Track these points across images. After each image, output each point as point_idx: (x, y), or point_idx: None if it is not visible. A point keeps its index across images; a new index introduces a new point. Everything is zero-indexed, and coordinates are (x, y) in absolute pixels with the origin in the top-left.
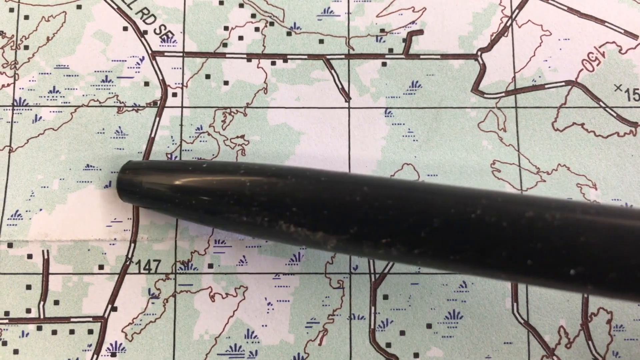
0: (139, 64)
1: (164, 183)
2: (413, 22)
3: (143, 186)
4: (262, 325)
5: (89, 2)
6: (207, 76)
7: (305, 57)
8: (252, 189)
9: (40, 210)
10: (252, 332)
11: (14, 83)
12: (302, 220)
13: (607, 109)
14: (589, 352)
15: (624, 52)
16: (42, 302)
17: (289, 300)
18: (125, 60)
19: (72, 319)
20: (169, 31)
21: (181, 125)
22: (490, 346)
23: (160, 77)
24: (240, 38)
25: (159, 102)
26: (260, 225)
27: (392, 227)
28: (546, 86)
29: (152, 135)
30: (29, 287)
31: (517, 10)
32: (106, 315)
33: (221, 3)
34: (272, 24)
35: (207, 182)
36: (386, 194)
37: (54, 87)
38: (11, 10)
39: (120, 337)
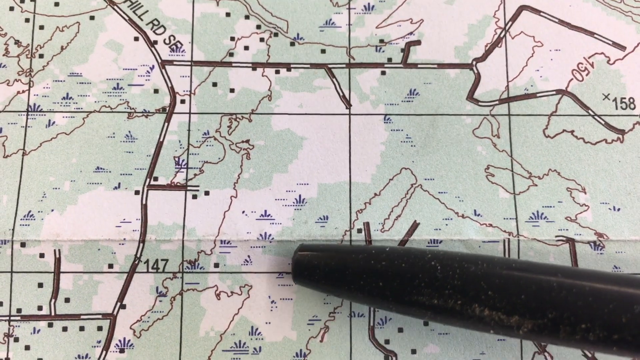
0: (149, 72)
1: (348, 267)
2: (411, 33)
3: (323, 271)
4: (266, 323)
5: (102, 13)
6: (214, 84)
7: (308, 66)
8: (445, 273)
9: (52, 211)
10: (256, 329)
11: (29, 90)
12: (497, 304)
13: (596, 117)
14: (579, 350)
15: (612, 63)
16: (53, 300)
17: (291, 299)
18: (136, 69)
19: (82, 316)
20: (178, 41)
21: (189, 130)
22: (484, 343)
23: (169, 85)
24: (246, 48)
25: (167, 109)
26: (452, 309)
27: (592, 313)
28: (538, 95)
29: (161, 140)
30: (40, 285)
31: (510, 22)
32: (115, 313)
33: (228, 15)
34: (276, 34)
35: (395, 266)
36: (582, 283)
37: (67, 94)
38: (27, 20)
39: (128, 333)
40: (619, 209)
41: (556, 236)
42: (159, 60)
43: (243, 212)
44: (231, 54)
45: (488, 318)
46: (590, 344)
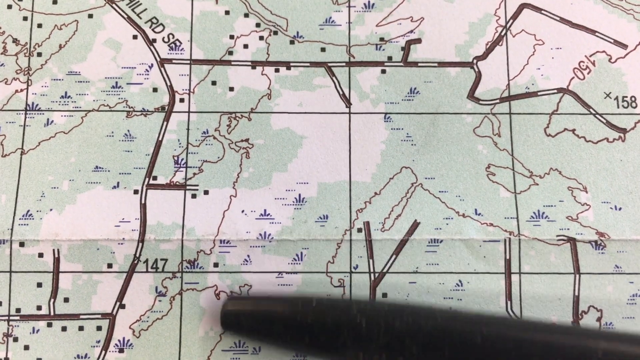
0: (147, 71)
1: (274, 321)
2: (411, 32)
3: (250, 322)
4: None
5: (100, 11)
6: (213, 82)
7: (308, 64)
8: (369, 328)
9: (51, 210)
10: None
11: (27, 88)
12: (422, 359)
13: (597, 115)
14: None
15: (613, 61)
16: (52, 300)
17: None
18: (135, 67)
19: (81, 316)
20: (177, 39)
21: (188, 129)
22: None
23: (168, 84)
24: (245, 46)
25: (166, 107)
26: None
27: None
28: (539, 93)
29: (160, 139)
30: (39, 284)
31: (511, 20)
32: (114, 313)
33: (227, 13)
34: (275, 33)
35: (321, 321)
36: (510, 335)
37: (66, 93)
38: (25, 18)
39: (128, 333)
40: (620, 208)
41: (557, 236)
42: (158, 59)
43: (242, 211)
44: (230, 53)
45: None
46: None
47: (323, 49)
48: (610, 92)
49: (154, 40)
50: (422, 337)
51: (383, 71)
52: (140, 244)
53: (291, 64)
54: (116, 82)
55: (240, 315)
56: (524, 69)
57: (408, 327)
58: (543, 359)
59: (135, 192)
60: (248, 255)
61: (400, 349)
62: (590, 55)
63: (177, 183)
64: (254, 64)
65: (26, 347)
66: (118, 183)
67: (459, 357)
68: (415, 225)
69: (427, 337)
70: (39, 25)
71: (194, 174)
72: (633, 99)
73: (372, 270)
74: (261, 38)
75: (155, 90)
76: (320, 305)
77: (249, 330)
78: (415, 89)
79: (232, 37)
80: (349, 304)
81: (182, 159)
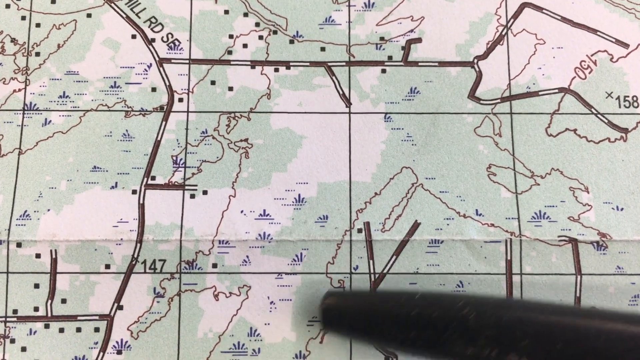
0: (146, 71)
1: (379, 316)
2: (412, 31)
3: (353, 319)
4: (265, 324)
5: (99, 11)
6: (213, 82)
7: (308, 64)
8: (478, 322)
9: (48, 210)
10: (255, 330)
11: (25, 88)
12: (534, 352)
13: (599, 115)
14: None
15: (615, 61)
16: (49, 301)
17: (291, 300)
18: (134, 67)
19: (79, 317)
20: (176, 39)
21: (187, 129)
22: None
23: (167, 83)
24: (245, 46)
25: (165, 107)
26: (487, 358)
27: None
28: (540, 93)
29: (158, 139)
30: (37, 285)
31: (512, 20)
32: (112, 314)
33: (226, 12)
34: (275, 32)
35: (427, 315)
36: (621, 328)
37: (64, 92)
38: (23, 18)
39: (126, 335)
40: (622, 209)
41: (559, 236)
42: (157, 59)
43: (242, 211)
44: (230, 52)
45: None
46: None
47: (323, 49)
48: (611, 92)
49: (153, 40)
50: (534, 330)
51: (383, 71)
52: (139, 245)
53: (291, 64)
54: (115, 82)
55: (342, 313)
56: (525, 69)
57: (518, 320)
58: None
59: (134, 192)
60: (247, 256)
61: (511, 342)
62: (592, 55)
63: (176, 183)
64: (254, 64)
65: (23, 349)
66: (116, 183)
67: (573, 351)
68: (415, 225)
69: (538, 330)
70: (38, 25)
71: (193, 174)
72: (635, 98)
73: (372, 271)
74: (261, 37)
75: (154, 90)
76: (424, 298)
77: (352, 328)
78: (415, 88)
79: (231, 36)
80: (454, 297)
81: (181, 159)
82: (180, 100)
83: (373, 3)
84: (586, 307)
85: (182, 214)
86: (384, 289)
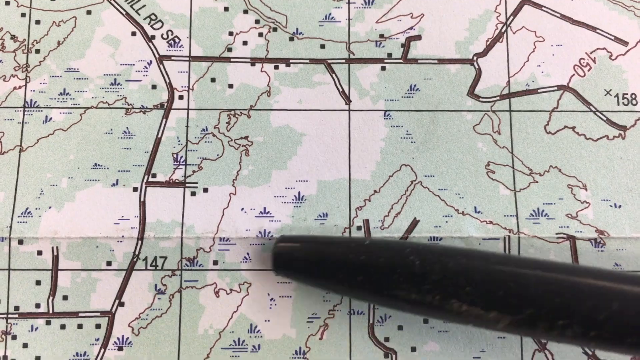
0: (146, 68)
1: (327, 260)
2: (411, 28)
3: (302, 262)
4: (265, 320)
5: (99, 7)
6: (213, 79)
7: (307, 61)
8: (423, 268)
9: (50, 208)
10: (255, 327)
11: (25, 85)
12: (476, 299)
13: (598, 113)
14: (580, 347)
15: (614, 58)
16: (51, 297)
17: (291, 296)
18: (134, 64)
19: (80, 314)
20: (176, 36)
21: (187, 126)
22: (484, 340)
23: (167, 81)
24: (245, 43)
25: (165, 105)
26: (430, 303)
27: (570, 310)
28: (539, 90)
29: (159, 136)
30: (38, 282)
31: (511, 17)
32: (113, 310)
33: (226, 9)
34: (275, 29)
35: (374, 260)
36: (561, 278)
37: (64, 90)
38: (23, 15)
39: (127, 331)
40: (620, 206)
41: (557, 233)
42: (157, 56)
43: (242, 209)
44: (230, 49)
45: (466, 313)
46: (569, 339)
47: (323, 46)
48: (610, 90)
49: (153, 37)
50: (477, 278)
51: (383, 68)
52: (140, 242)
53: (291, 61)
54: (115, 79)
55: (292, 256)
56: (524, 66)
57: (462, 268)
58: (596, 301)
59: (135, 189)
60: (247, 253)
61: (454, 289)
62: (591, 52)
63: (177, 181)
64: (253, 61)
65: (25, 345)
66: (117, 180)
67: (514, 299)
68: (414, 223)
69: (481, 278)
70: (37, 22)
71: (194, 171)
72: (633, 96)
73: None
74: (260, 35)
75: (154, 87)
76: (373, 245)
77: (300, 271)
78: (415, 86)
79: (231, 33)
80: (402, 245)
81: (182, 157)
82: (181, 97)
83: (372, 0)
84: (530, 258)
85: (183, 212)
86: (337, 236)
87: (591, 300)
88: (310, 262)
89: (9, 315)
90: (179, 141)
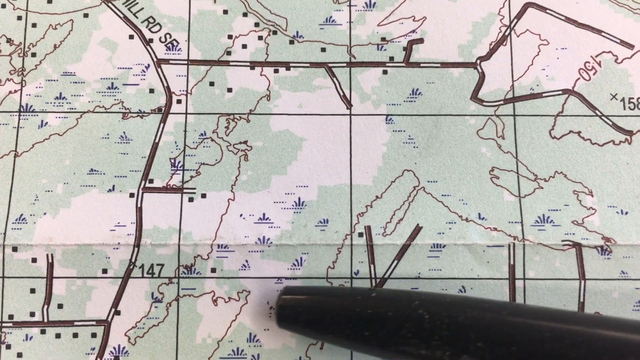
0: (144, 72)
1: (333, 314)
2: (413, 31)
3: (307, 317)
4: (265, 329)
5: (96, 10)
6: (211, 83)
7: (308, 65)
8: (432, 322)
9: (45, 214)
10: (255, 336)
11: (21, 89)
12: (487, 355)
13: (603, 117)
14: None
15: (619, 62)
16: (46, 306)
17: None
18: (131, 68)
19: (75, 323)
20: (174, 39)
21: (185, 131)
22: None
23: (165, 85)
24: (244, 46)
25: (163, 109)
26: (440, 359)
27: None
28: (544, 94)
29: (156, 141)
30: (33, 290)
31: (515, 20)
32: (109, 319)
33: (225, 12)
34: (275, 32)
35: (381, 314)
36: (577, 330)
37: (61, 94)
38: (19, 18)
39: (123, 340)
40: (626, 213)
41: (562, 240)
42: (155, 59)
43: (241, 215)
44: (229, 53)
45: None
46: None
47: (323, 49)
48: (616, 94)
49: (151, 40)
50: (488, 332)
51: (384, 72)
52: (136, 249)
53: (291, 65)
54: (112, 83)
55: (296, 310)
56: (528, 70)
57: (472, 321)
58: (612, 355)
59: (131, 195)
60: (246, 261)
61: (465, 344)
62: (596, 56)
63: (174, 186)
64: (253, 65)
65: (19, 355)
66: (113, 186)
67: (526, 353)
68: (417, 229)
69: (492, 332)
70: (34, 25)
71: (191, 176)
72: (639, 100)
73: (373, 275)
74: (260, 38)
75: (151, 91)
76: (379, 297)
77: (305, 325)
78: (417, 90)
79: (230, 37)
80: (410, 297)
81: (179, 162)
82: (179, 101)
83: (374, 3)
84: (543, 308)
85: (181, 218)
86: (343, 286)
87: (608, 355)
88: (316, 317)
89: (3, 324)
90: (177, 146)
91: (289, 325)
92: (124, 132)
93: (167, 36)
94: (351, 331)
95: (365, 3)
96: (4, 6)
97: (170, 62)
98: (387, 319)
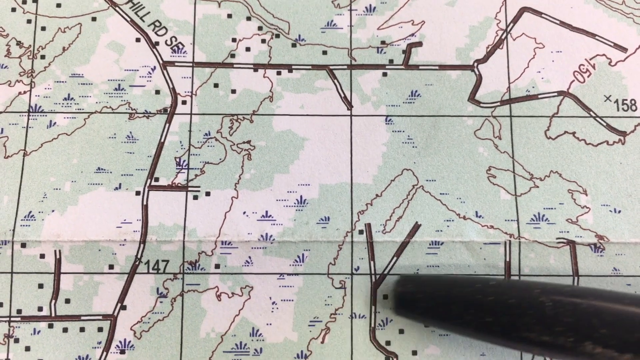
0: (150, 74)
1: (453, 302)
2: (412, 35)
3: (427, 305)
4: (267, 324)
5: (104, 14)
6: (216, 85)
7: (310, 67)
8: (555, 310)
9: (53, 211)
10: (257, 331)
11: (30, 90)
12: (611, 341)
13: (597, 118)
14: None
15: (613, 64)
16: (53, 301)
17: (292, 300)
18: (138, 70)
19: (82, 317)
20: (180, 42)
21: (190, 131)
22: (484, 344)
23: (171, 86)
24: (248, 49)
25: (169, 109)
26: (562, 346)
27: None
28: (539, 96)
29: (162, 141)
30: (41, 285)
31: (511, 24)
32: (116, 314)
33: (229, 16)
34: (277, 36)
35: (504, 302)
36: None
37: (69, 95)
38: (29, 21)
39: (129, 335)
40: (619, 211)
41: (557, 238)
42: (161, 62)
43: (244, 212)
44: (233, 55)
45: (599, 356)
46: None
47: (325, 52)
48: (610, 95)
49: (157, 43)
50: (612, 320)
51: (384, 74)
52: (142, 245)
53: (293, 67)
54: (119, 85)
55: (415, 298)
56: (524, 72)
57: (595, 309)
58: None
59: (137, 193)
60: (249, 257)
61: (588, 331)
62: (591, 59)
63: (179, 184)
64: (256, 67)
65: (27, 348)
66: (120, 184)
67: None
68: (416, 227)
69: (617, 320)
70: (43, 28)
71: (196, 175)
72: (633, 102)
73: (373, 272)
74: (263, 41)
75: (157, 92)
76: (500, 285)
77: (425, 312)
78: (416, 91)
79: (234, 40)
80: (529, 286)
81: (184, 161)
82: (184, 102)
83: (374, 7)
84: None
85: (185, 215)
86: (457, 275)
87: None
88: (435, 304)
89: (12, 319)
90: (182, 145)
91: (407, 313)
92: (131, 132)
93: (173, 39)
94: (472, 318)
95: (366, 7)
96: (14, 10)
97: (176, 64)
98: (509, 306)
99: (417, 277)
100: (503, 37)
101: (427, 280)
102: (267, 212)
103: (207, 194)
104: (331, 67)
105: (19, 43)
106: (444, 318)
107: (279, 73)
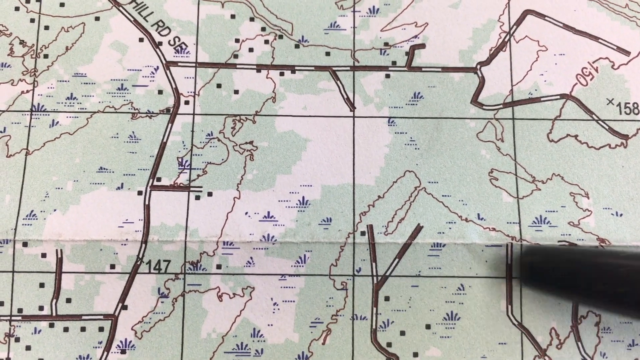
0: (153, 73)
1: (584, 272)
2: (415, 37)
3: (557, 275)
4: (268, 325)
5: (107, 14)
6: (219, 85)
7: (313, 68)
8: None
9: (55, 210)
10: (258, 331)
11: (33, 90)
12: None
13: (600, 121)
14: (579, 353)
15: (616, 68)
16: (54, 300)
17: (294, 301)
18: (141, 70)
19: (83, 317)
20: (183, 42)
21: (192, 131)
22: (485, 346)
23: (174, 86)
24: (251, 50)
25: (171, 109)
26: None
27: None
28: (542, 99)
29: (164, 141)
30: (42, 285)
31: (515, 27)
32: (117, 314)
33: (233, 17)
34: (281, 36)
35: (636, 272)
36: None
37: (72, 94)
38: (32, 20)
39: (130, 334)
40: (621, 215)
41: (559, 241)
42: (164, 62)
43: (246, 213)
44: (236, 56)
45: None
46: None
47: (328, 53)
48: (612, 99)
49: (160, 43)
50: None
51: (387, 75)
52: (144, 245)
53: (296, 68)
54: (122, 84)
55: (544, 269)
56: (527, 75)
57: None
58: None
59: (139, 193)
60: (251, 257)
61: None
62: (593, 62)
63: (181, 184)
64: (259, 67)
65: (28, 348)
66: (122, 184)
67: None
68: (418, 229)
69: None
70: (46, 27)
71: (198, 175)
72: (635, 105)
73: (374, 273)
74: (266, 42)
75: (160, 92)
76: (631, 255)
77: (555, 282)
78: (419, 93)
79: (237, 40)
80: None
81: (186, 161)
82: (187, 102)
83: (378, 9)
84: None
85: (187, 215)
86: (583, 246)
87: None
88: (565, 275)
89: (13, 318)
90: (184, 145)
91: (536, 285)
92: (133, 132)
93: (176, 39)
94: (604, 287)
95: (369, 9)
96: (17, 9)
97: (179, 64)
98: None
99: (543, 248)
100: (506, 39)
101: (553, 251)
102: (269, 212)
103: (209, 194)
104: (334, 69)
105: (22, 42)
106: (574, 289)
107: (282, 74)
